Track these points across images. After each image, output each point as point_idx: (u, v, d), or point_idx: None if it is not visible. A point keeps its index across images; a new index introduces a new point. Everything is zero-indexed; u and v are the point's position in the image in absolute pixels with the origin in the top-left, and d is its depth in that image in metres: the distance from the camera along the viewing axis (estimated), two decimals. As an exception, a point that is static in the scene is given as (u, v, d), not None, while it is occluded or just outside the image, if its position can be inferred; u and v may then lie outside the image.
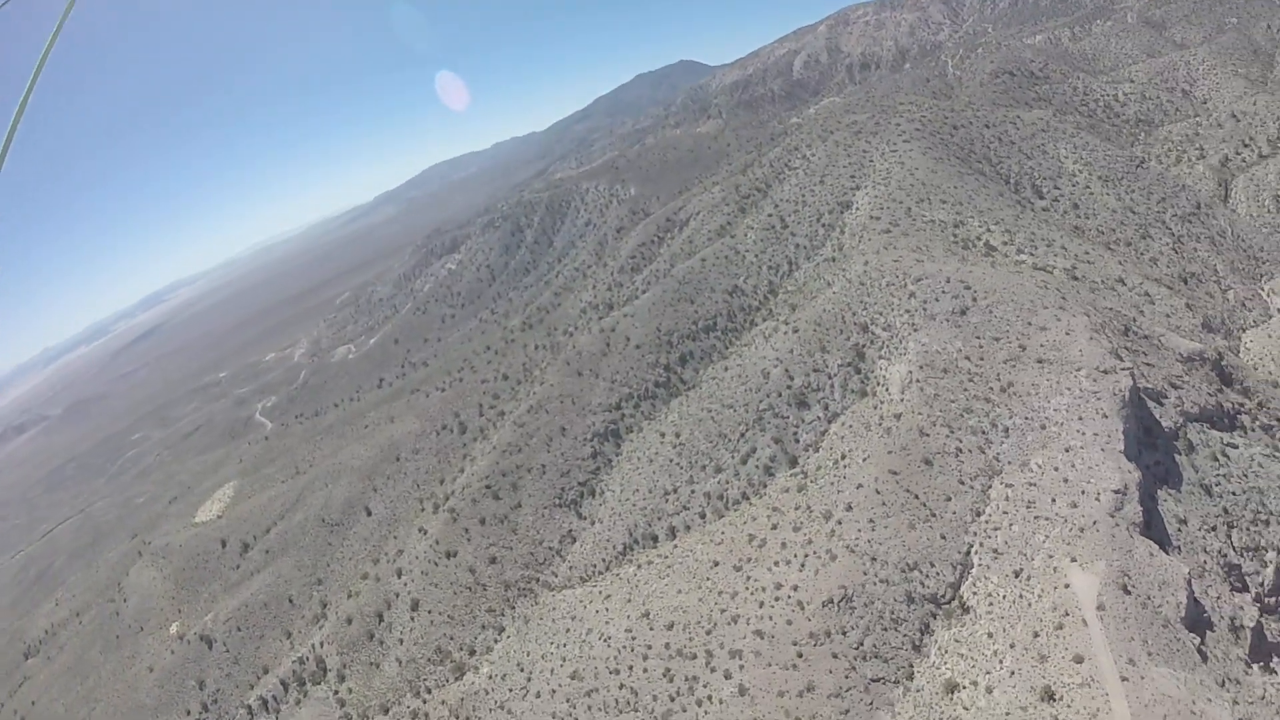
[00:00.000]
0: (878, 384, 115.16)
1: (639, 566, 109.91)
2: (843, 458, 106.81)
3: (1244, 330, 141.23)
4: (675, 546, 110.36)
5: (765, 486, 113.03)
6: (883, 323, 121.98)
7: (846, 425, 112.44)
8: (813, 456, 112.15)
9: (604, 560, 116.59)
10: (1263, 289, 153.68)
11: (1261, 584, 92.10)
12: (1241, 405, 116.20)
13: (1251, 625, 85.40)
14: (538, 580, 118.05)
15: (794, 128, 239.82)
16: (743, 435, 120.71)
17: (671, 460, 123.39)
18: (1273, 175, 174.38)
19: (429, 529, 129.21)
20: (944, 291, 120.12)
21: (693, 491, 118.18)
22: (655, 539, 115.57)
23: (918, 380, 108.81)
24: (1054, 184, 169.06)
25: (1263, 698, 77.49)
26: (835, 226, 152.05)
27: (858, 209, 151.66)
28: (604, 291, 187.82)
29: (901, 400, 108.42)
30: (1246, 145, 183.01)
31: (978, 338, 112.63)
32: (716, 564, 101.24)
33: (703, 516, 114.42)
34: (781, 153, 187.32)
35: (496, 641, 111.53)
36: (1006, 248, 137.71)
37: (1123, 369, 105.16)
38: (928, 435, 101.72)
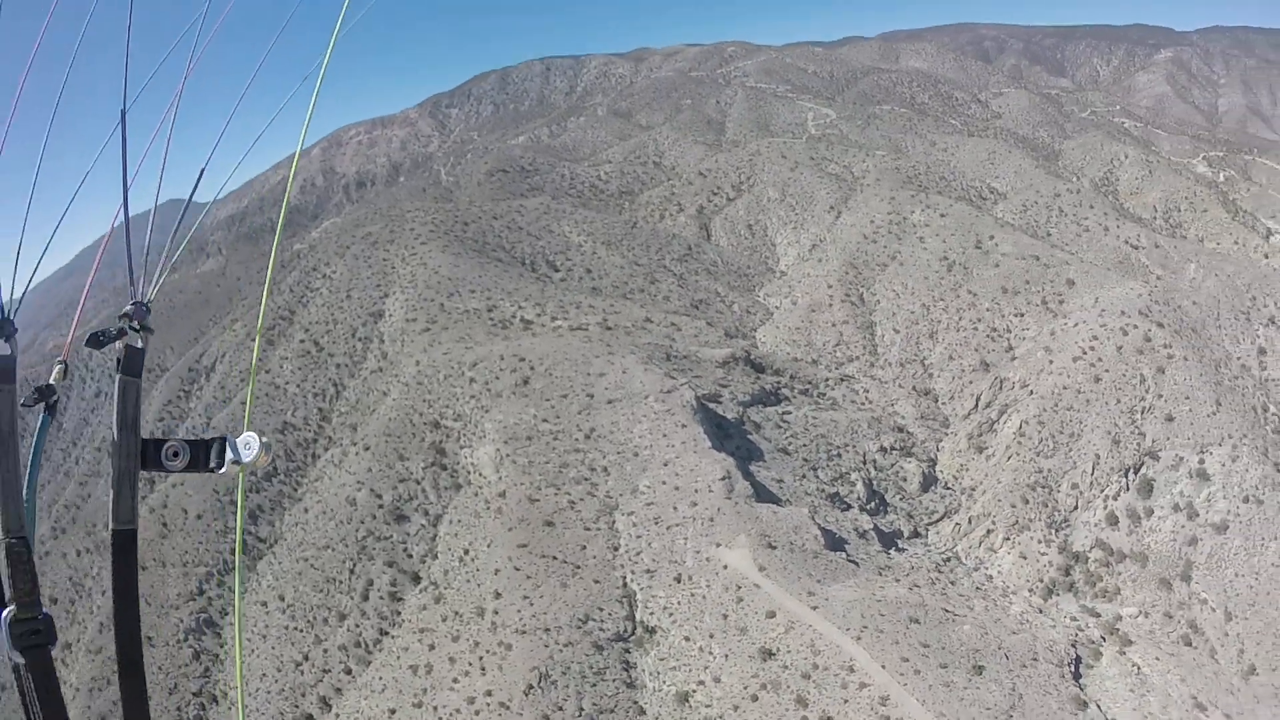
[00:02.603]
0: (470, 472, 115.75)
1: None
2: (466, 553, 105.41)
3: (755, 330, 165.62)
4: (337, 716, 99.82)
5: (399, 614, 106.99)
6: (452, 414, 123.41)
7: (455, 521, 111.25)
8: (434, 564, 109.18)
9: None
10: (758, 296, 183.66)
11: (858, 498, 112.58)
12: (778, 383, 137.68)
13: (870, 528, 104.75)
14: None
15: (306, 250, 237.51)
16: (353, 571, 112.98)
17: (287, 627, 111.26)
18: (741, 211, 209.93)
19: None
20: (501, 369, 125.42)
21: (325, 651, 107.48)
22: (311, 718, 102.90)
23: (507, 455, 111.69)
24: (565, 256, 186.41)
25: (913, 568, 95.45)
26: (373, 337, 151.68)
27: (392, 315, 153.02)
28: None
29: (499, 478, 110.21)
30: (715, 194, 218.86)
31: (547, 400, 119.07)
32: (393, 711, 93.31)
33: (349, 672, 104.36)
34: (300, 276, 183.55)
35: None
36: (541, 318, 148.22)
37: (681, 385, 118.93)
38: (537, 500, 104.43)
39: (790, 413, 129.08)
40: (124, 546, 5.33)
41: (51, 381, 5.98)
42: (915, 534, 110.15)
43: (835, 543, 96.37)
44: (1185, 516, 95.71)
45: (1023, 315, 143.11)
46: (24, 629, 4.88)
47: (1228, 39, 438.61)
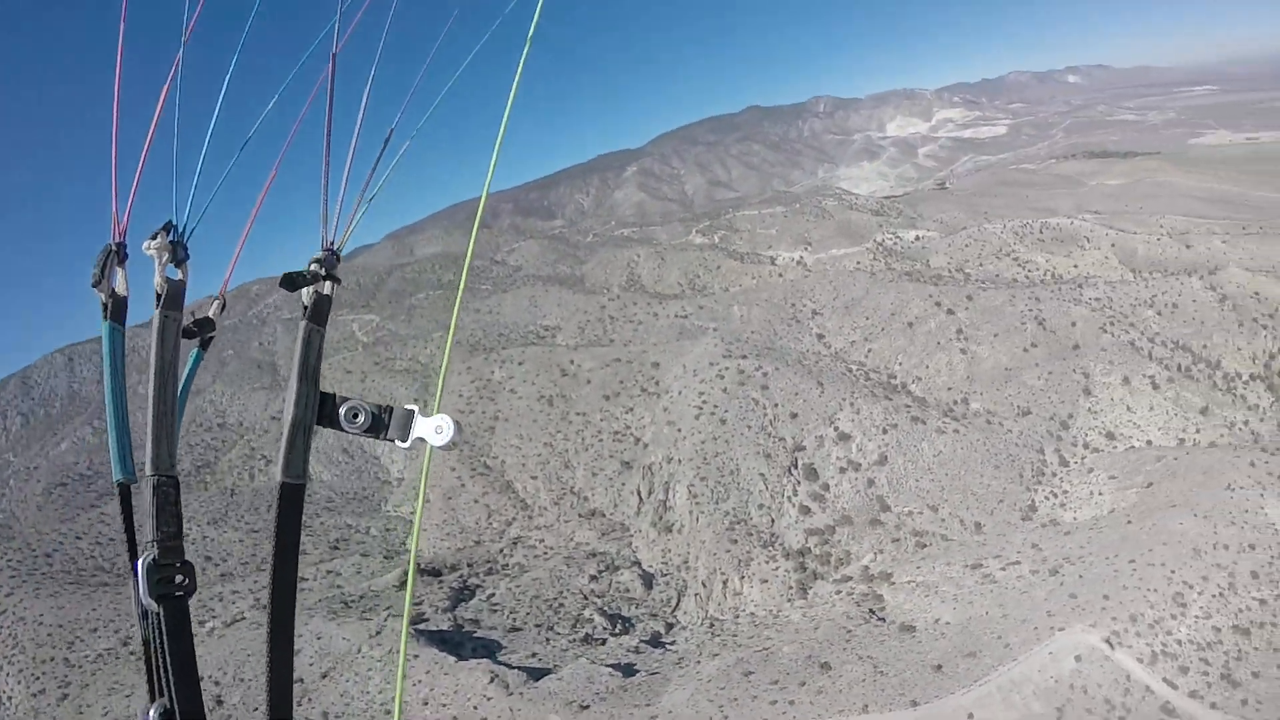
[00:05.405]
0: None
1: None
2: None
3: (405, 543, 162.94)
4: None
5: None
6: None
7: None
8: None
9: None
10: (389, 511, 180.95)
11: (604, 627, 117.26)
12: (462, 576, 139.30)
13: (635, 643, 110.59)
14: None
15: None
16: None
17: None
18: (330, 438, 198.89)
19: None
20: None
21: None
22: None
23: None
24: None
25: (699, 645, 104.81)
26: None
27: (11, 699, 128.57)
28: None
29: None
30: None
31: (248, 708, 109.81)
32: None
33: None
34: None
35: None
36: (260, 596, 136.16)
37: (383, 622, 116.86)
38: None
39: (493, 594, 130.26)
40: (292, 500, 5.03)
41: (211, 315, 5.85)
42: (670, 625, 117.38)
43: (627, 670, 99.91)
44: (852, 471, 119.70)
45: (632, 409, 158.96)
46: (164, 575, 4.62)
47: (676, 138, 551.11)
